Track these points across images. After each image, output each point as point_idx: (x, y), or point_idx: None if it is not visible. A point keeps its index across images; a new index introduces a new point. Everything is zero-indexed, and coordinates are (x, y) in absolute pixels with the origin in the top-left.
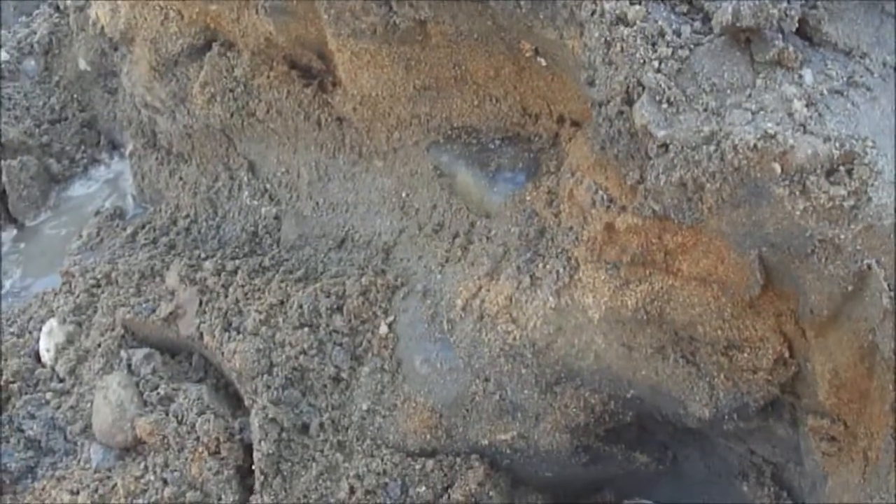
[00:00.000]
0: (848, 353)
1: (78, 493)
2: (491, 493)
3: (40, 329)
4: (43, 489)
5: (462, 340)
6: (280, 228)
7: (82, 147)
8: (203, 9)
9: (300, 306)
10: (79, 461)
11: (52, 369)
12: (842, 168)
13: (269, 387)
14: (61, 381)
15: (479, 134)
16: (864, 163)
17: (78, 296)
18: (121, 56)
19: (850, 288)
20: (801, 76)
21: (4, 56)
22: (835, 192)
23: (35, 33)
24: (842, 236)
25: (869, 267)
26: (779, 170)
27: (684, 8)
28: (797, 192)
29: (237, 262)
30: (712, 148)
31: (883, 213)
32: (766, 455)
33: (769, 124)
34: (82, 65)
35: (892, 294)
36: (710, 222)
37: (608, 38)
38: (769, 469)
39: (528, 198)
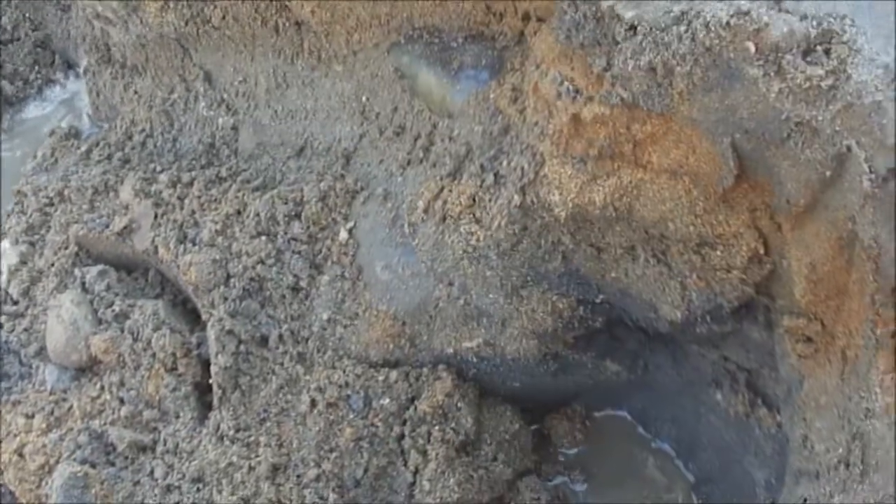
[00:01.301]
0: (826, 246)
1: (33, 416)
2: (459, 405)
3: None
4: None
5: (424, 244)
6: (238, 139)
7: (36, 67)
8: None
9: (257, 214)
10: (34, 384)
11: (5, 291)
12: (819, 47)
13: (225, 298)
14: (15, 303)
15: (441, 33)
16: (843, 41)
17: (30, 215)
18: None
19: (828, 173)
20: None
21: None
22: (812, 72)
23: None
24: (819, 118)
25: (849, 149)
26: (753, 49)
27: None
28: (772, 73)
29: (193, 173)
30: (683, 28)
31: (863, 91)
32: (739, 361)
33: (742, 1)
34: None
35: (872, 177)
36: (680, 109)
37: None
38: (743, 376)
39: (491, 95)
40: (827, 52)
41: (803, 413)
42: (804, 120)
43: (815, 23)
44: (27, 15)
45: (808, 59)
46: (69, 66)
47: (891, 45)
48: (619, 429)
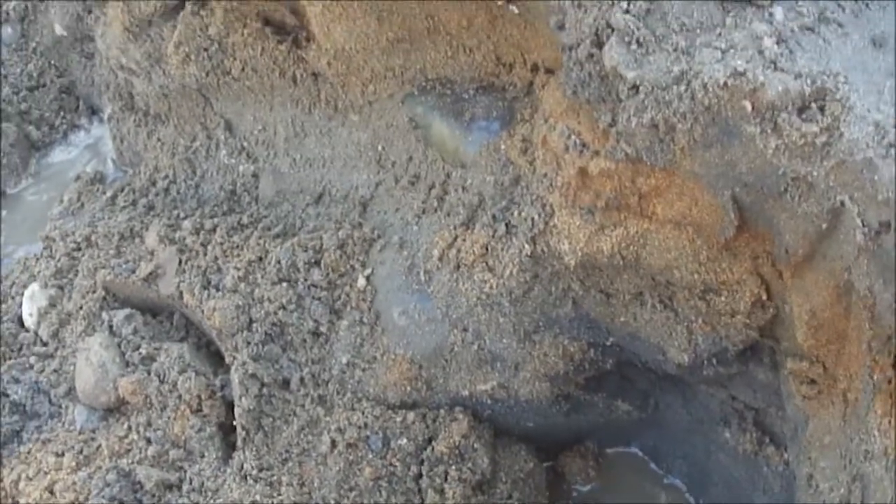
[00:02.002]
0: (824, 293)
1: (63, 454)
2: (475, 445)
3: (22, 294)
4: (29, 452)
5: (439, 291)
6: (258, 186)
7: (61, 113)
8: None
9: (278, 261)
10: (63, 424)
11: (35, 333)
12: (813, 105)
13: (248, 343)
14: (44, 344)
15: (454, 84)
16: (836, 98)
17: (59, 259)
18: (95, 19)
19: (824, 226)
20: (771, 14)
21: None
22: (807, 129)
23: (10, 1)
24: (814, 173)
25: (842, 203)
26: (749, 108)
27: None
28: (769, 130)
29: (216, 220)
30: (682, 88)
31: (855, 149)
32: (747, 400)
33: (739, 62)
34: (58, 30)
35: (865, 231)
36: (682, 164)
37: None
38: (751, 415)
39: (502, 146)
40: (821, 109)
41: (809, 452)
42: (800, 175)
43: (809, 81)
44: (52, 62)
45: (803, 116)
46: (93, 111)
47: (882, 102)
48: (631, 465)
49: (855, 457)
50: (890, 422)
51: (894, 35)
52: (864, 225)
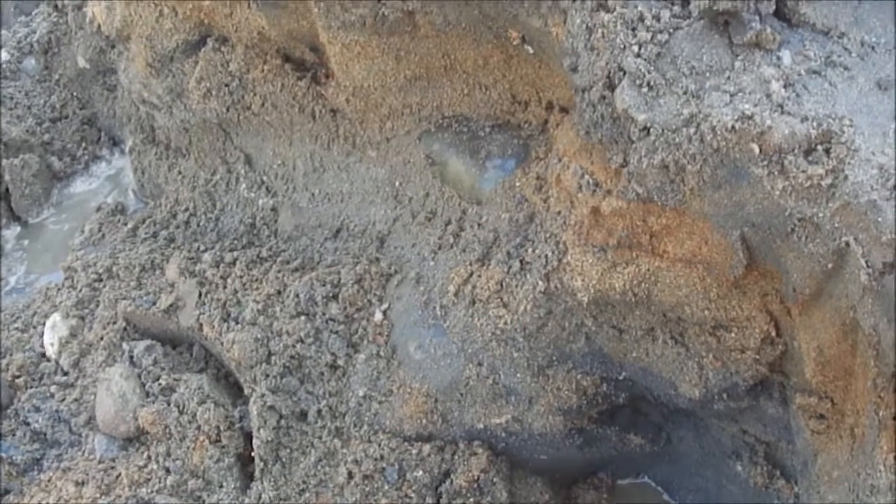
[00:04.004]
0: (831, 331)
1: (83, 483)
2: (494, 480)
3: (44, 323)
4: (49, 480)
5: (455, 326)
6: (277, 219)
7: (83, 144)
8: (196, 5)
9: (297, 295)
10: (83, 452)
11: (56, 363)
12: (819, 147)
13: (267, 375)
14: (65, 374)
15: (470, 122)
16: (842, 141)
17: (80, 290)
18: (118, 53)
19: (830, 265)
20: (779, 57)
21: (5, 56)
22: (813, 171)
23: (35, 32)
24: (820, 214)
25: (847, 244)
26: (757, 150)
27: None
28: (776, 172)
29: (235, 253)
30: (692, 130)
31: (859, 191)
32: (758, 434)
33: (747, 105)
34: (81, 63)
35: (869, 271)
36: (692, 204)
37: (589, 24)
38: (762, 448)
39: (517, 184)
40: (827, 151)
41: (818, 486)
42: (806, 216)
43: (815, 124)
44: (75, 94)
45: (810, 158)
46: (114, 143)
47: (887, 145)
48: (644, 496)
49: (862, 491)
50: (895, 457)
51: None
52: (868, 265)
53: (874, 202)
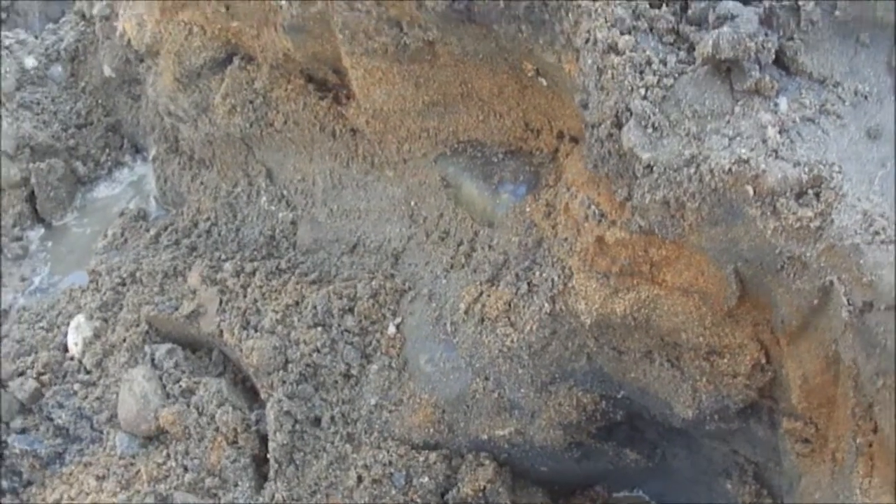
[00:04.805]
0: (816, 361)
1: (104, 478)
2: (500, 490)
3: (68, 324)
4: (71, 474)
5: (464, 342)
6: (296, 233)
7: (107, 150)
8: (225, 25)
9: (314, 307)
10: (105, 448)
11: (80, 362)
12: (810, 191)
13: (284, 382)
14: (88, 373)
15: (484, 147)
16: (831, 187)
17: (104, 293)
18: (146, 67)
19: (815, 301)
20: (776, 104)
21: (33, 62)
22: (802, 214)
23: (62, 40)
24: (808, 254)
25: (831, 283)
26: (751, 192)
27: (671, 38)
28: (768, 213)
29: (255, 264)
30: (692, 170)
31: (844, 234)
32: (747, 455)
33: (744, 150)
34: (107, 71)
35: (850, 308)
36: (690, 238)
37: (600, 66)
38: (751, 468)
39: (527, 209)
40: (817, 195)
41: None
42: (795, 255)
43: (807, 169)
44: (100, 101)
45: (800, 201)
46: (137, 150)
47: (872, 191)
48: None
49: None
50: (870, 482)
51: (888, 127)
52: (849, 304)
53: (857, 245)
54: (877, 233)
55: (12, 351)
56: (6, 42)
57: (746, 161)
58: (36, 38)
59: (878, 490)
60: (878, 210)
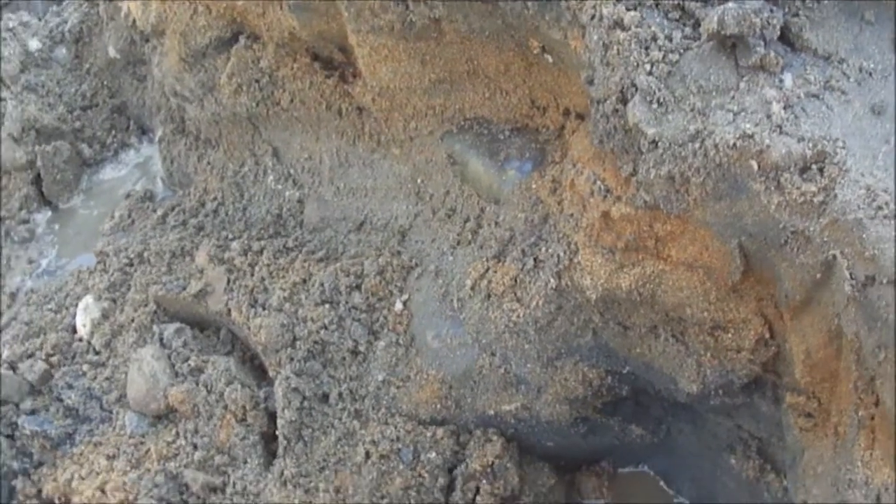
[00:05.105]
0: (818, 336)
1: (114, 457)
2: (508, 465)
3: (76, 305)
4: (81, 454)
5: (471, 318)
6: (303, 211)
7: (113, 132)
8: (230, 4)
9: (321, 284)
10: (114, 428)
11: (89, 343)
12: (814, 166)
13: (292, 359)
14: (97, 353)
15: (490, 124)
16: (834, 162)
17: (112, 274)
18: (151, 48)
19: (818, 276)
20: (781, 80)
21: (37, 45)
22: (806, 188)
23: (66, 22)
24: (811, 229)
25: (834, 257)
26: (756, 167)
27: (677, 14)
28: (772, 188)
29: (262, 242)
30: (697, 145)
31: (847, 209)
32: (751, 430)
33: (748, 125)
34: (112, 53)
35: (853, 283)
36: (695, 213)
37: (606, 41)
38: (755, 443)
39: (533, 186)
40: (820, 170)
41: (804, 480)
42: (798, 230)
43: (811, 144)
44: (105, 83)
45: (804, 176)
46: (143, 131)
47: (876, 167)
48: (642, 484)
49: (841, 485)
50: (871, 454)
51: (893, 104)
52: (852, 278)
53: (860, 220)
54: (879, 208)
55: (21, 333)
56: (10, 24)
57: (751, 136)
58: (39, 20)
59: (879, 462)
60: (882, 185)
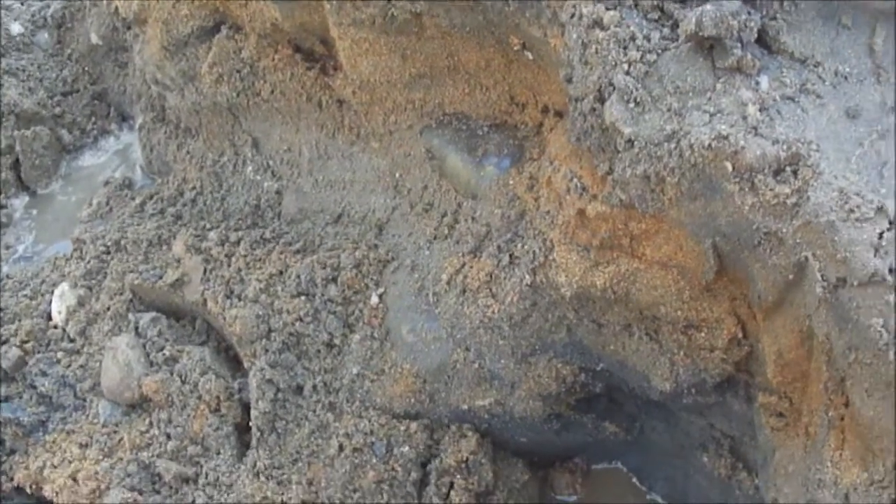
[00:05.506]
0: (790, 336)
1: (87, 445)
2: (482, 461)
3: (52, 292)
4: (54, 441)
5: (446, 312)
6: (281, 203)
7: (93, 118)
8: None
9: (298, 276)
10: (88, 416)
11: (64, 330)
12: (787, 168)
13: (266, 350)
14: (72, 341)
15: (469, 120)
16: (808, 164)
17: (88, 261)
18: (133, 35)
19: (790, 277)
20: (757, 82)
21: (19, 29)
22: (780, 190)
23: (49, 7)
24: (784, 230)
25: (806, 259)
26: (730, 168)
27: (656, 15)
28: (746, 189)
29: (240, 233)
30: (672, 145)
31: (820, 211)
32: (724, 429)
33: (723, 126)
34: (94, 39)
35: (824, 284)
36: (670, 212)
37: (585, 40)
38: (727, 442)
39: (511, 182)
40: (794, 172)
41: (775, 479)
42: (771, 231)
43: (785, 147)
44: (86, 69)
45: (778, 178)
46: (123, 118)
47: (849, 170)
48: (615, 481)
49: (811, 485)
50: (841, 454)
51: (867, 108)
52: (823, 279)
53: (832, 222)
54: (851, 210)
55: None
56: None
57: (726, 137)
58: (22, 4)
59: (848, 462)
60: (854, 188)
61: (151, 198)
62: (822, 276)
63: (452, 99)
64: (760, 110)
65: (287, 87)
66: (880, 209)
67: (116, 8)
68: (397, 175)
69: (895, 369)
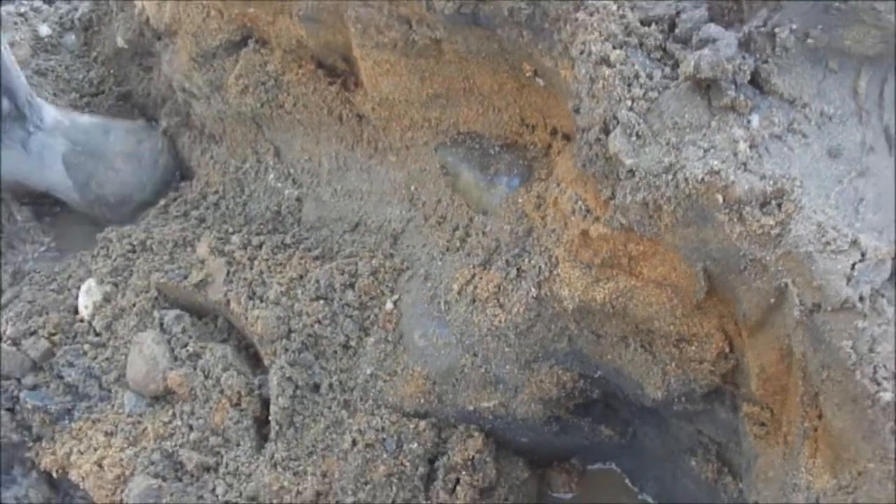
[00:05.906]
0: (771, 353)
1: (112, 434)
2: (487, 459)
3: (79, 287)
4: (80, 429)
5: (456, 320)
6: (301, 210)
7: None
8: (242, 10)
9: (317, 281)
10: (113, 406)
11: (90, 324)
12: (773, 202)
13: (286, 350)
14: (98, 335)
15: (482, 139)
16: (791, 199)
17: (115, 259)
18: (163, 45)
19: (772, 300)
20: (749, 121)
21: (47, 30)
22: (765, 221)
23: (76, 10)
24: (767, 258)
25: (786, 285)
26: (721, 200)
27: (658, 54)
28: (735, 219)
29: (262, 237)
30: (669, 177)
31: (799, 242)
32: (711, 435)
33: (716, 161)
34: (120, 42)
35: (802, 308)
36: (665, 237)
37: (592, 76)
38: (714, 447)
39: (520, 200)
40: (779, 206)
41: (756, 484)
42: (756, 258)
43: (771, 182)
44: (112, 71)
45: (763, 210)
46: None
47: (828, 205)
48: (609, 480)
49: (787, 489)
50: (814, 462)
51: (848, 147)
52: (801, 304)
53: (810, 253)
54: (828, 243)
55: (24, 311)
56: (21, 9)
57: (718, 172)
58: (50, 6)
59: (820, 469)
60: (831, 223)
61: (175, 200)
62: (799, 300)
63: (467, 118)
64: (750, 147)
65: (309, 100)
66: (854, 242)
67: (147, 18)
68: (413, 188)
69: (860, 387)
